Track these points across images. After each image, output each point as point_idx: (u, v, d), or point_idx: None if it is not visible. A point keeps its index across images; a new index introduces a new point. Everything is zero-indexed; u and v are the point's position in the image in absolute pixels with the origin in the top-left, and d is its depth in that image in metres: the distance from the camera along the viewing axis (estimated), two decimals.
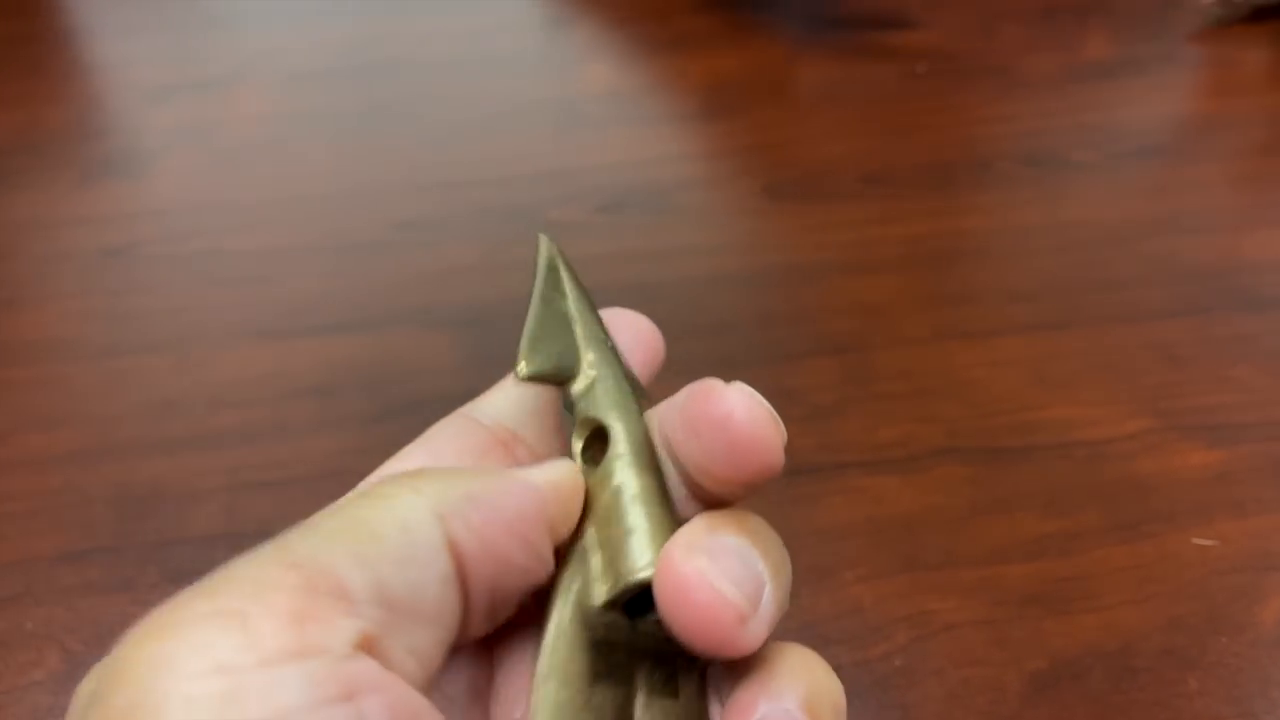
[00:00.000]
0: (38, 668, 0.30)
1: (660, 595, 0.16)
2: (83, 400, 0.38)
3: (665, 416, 0.18)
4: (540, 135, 0.52)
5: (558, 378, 0.20)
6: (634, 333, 0.21)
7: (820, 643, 0.31)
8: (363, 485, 0.19)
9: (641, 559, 0.17)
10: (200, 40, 0.61)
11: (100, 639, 0.30)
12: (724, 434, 0.17)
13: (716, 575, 0.16)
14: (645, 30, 0.60)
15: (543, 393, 0.20)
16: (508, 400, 0.20)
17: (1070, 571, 0.32)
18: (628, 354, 0.21)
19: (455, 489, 0.16)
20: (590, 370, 0.20)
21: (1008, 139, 0.50)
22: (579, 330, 0.20)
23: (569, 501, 0.18)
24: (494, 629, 0.17)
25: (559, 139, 0.52)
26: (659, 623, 0.17)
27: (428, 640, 0.15)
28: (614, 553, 0.17)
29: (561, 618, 0.17)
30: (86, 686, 0.13)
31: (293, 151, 0.52)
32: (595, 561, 0.17)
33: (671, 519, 0.17)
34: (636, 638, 0.17)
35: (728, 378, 0.39)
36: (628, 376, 0.20)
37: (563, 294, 0.21)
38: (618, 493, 0.18)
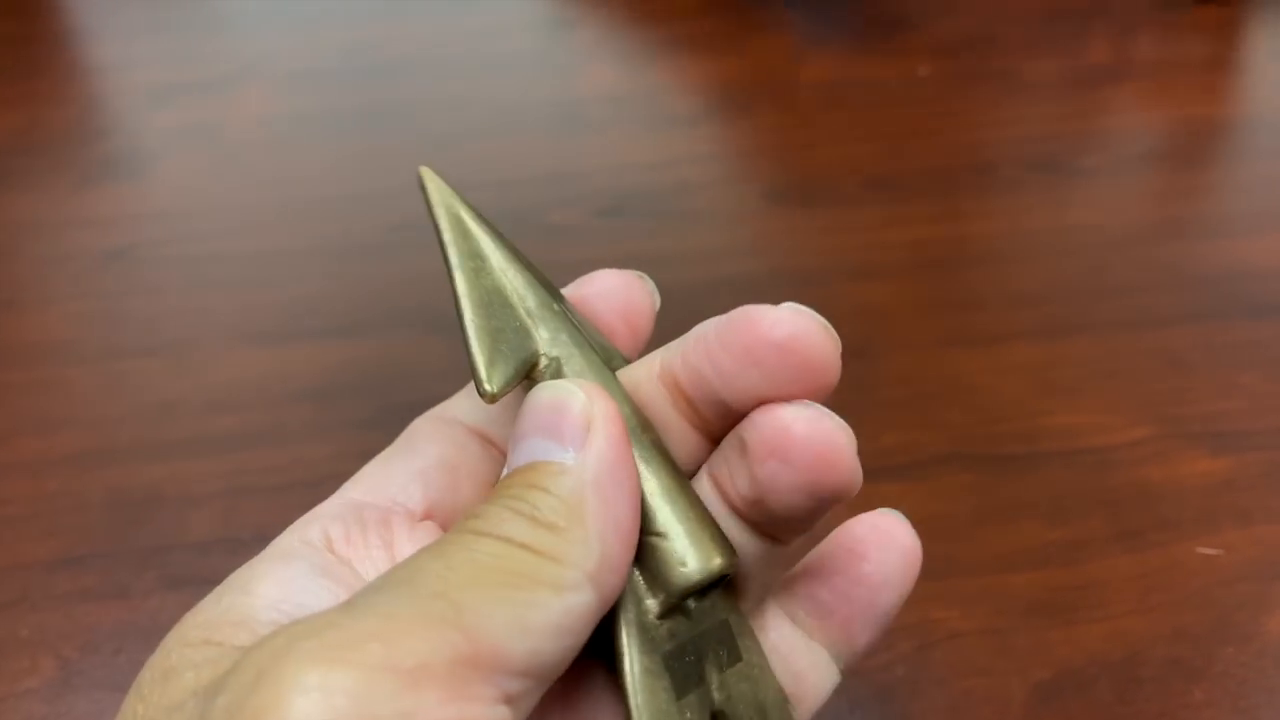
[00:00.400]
0: (32, 675, 0.30)
1: (774, 444, 0.16)
2: (80, 403, 0.38)
3: (689, 354, 0.17)
4: (542, 137, 0.52)
5: (524, 374, 0.17)
6: (616, 303, 0.19)
7: None
8: (354, 492, 0.18)
9: (689, 562, 0.16)
10: (201, 42, 0.61)
11: (96, 646, 0.30)
12: (786, 357, 0.16)
13: (822, 414, 0.16)
14: (647, 32, 0.60)
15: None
16: (473, 402, 0.19)
17: (1075, 580, 0.32)
18: (613, 329, 0.19)
19: (591, 542, 0.15)
20: (548, 352, 0.18)
21: (1012, 143, 0.50)
22: (520, 300, 0.18)
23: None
24: None
25: (560, 141, 0.52)
26: (714, 599, 0.16)
27: (545, 688, 0.14)
28: (657, 564, 0.16)
29: (630, 651, 0.16)
30: (218, 700, 0.13)
31: (293, 153, 0.52)
32: (637, 579, 0.16)
33: (695, 503, 0.17)
34: (697, 626, 0.17)
35: None
36: (590, 342, 0.18)
37: (482, 256, 0.18)
38: None
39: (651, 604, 0.16)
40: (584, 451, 0.15)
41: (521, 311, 0.18)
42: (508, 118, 0.54)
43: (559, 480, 0.15)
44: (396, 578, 0.14)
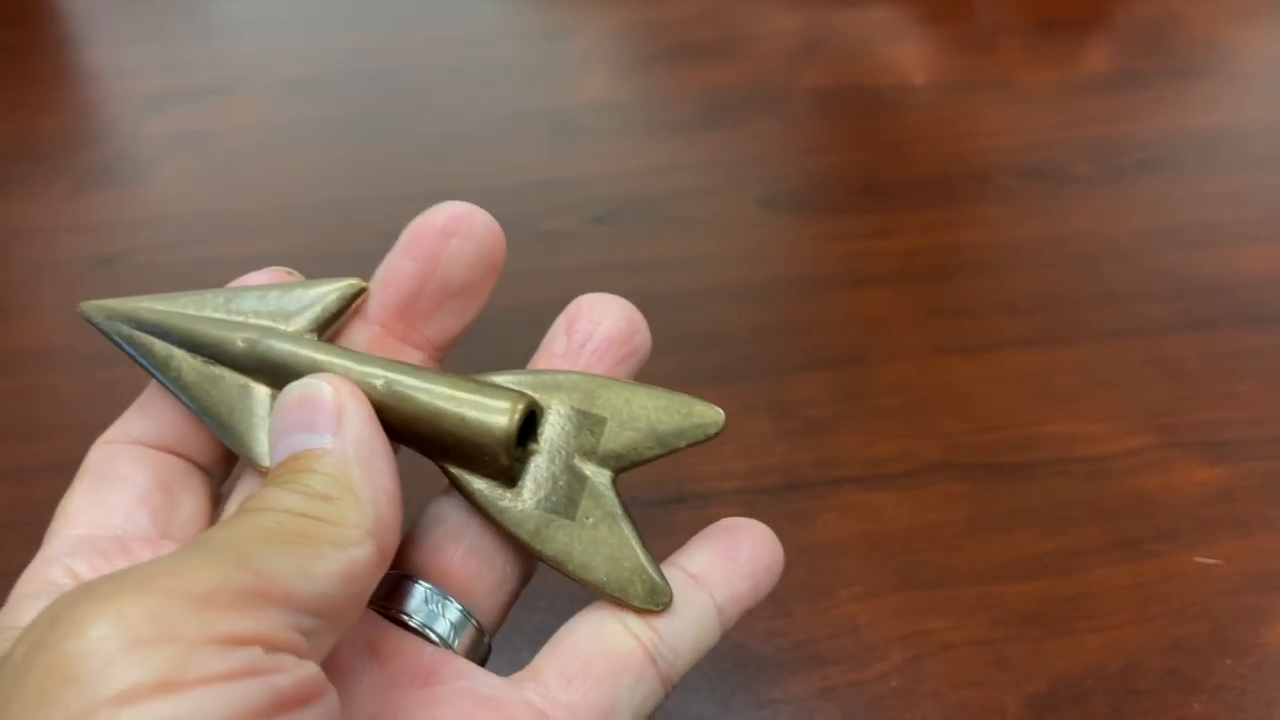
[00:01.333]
0: None
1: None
2: (68, 411, 0.38)
3: (388, 279, 0.19)
4: (535, 145, 0.52)
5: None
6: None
7: (815, 663, 0.30)
8: (77, 530, 0.18)
9: (493, 423, 0.18)
10: (195, 49, 0.61)
11: None
12: (449, 235, 0.19)
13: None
14: (641, 40, 0.60)
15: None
16: (145, 421, 0.19)
17: (1071, 590, 0.32)
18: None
19: (365, 500, 0.16)
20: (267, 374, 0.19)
21: (1007, 152, 0.50)
22: (226, 360, 0.19)
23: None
24: None
25: (554, 149, 0.52)
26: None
27: (350, 621, 0.16)
28: (476, 446, 0.18)
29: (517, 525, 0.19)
30: (16, 650, 0.13)
31: (286, 160, 0.51)
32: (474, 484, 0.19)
33: (461, 383, 0.19)
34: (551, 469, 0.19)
35: (722, 391, 0.39)
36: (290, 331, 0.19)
37: (168, 355, 0.19)
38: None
39: (501, 493, 0.18)
40: (340, 434, 0.17)
41: (230, 374, 0.19)
42: (502, 125, 0.54)
43: (323, 460, 0.16)
44: (189, 542, 0.15)
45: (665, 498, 0.34)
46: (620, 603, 0.18)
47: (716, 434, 0.19)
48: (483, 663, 0.19)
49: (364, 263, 0.47)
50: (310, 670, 0.14)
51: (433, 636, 0.18)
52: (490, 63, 0.58)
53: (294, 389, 0.17)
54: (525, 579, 0.20)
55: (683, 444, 0.19)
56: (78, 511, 0.18)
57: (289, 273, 0.21)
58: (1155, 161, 0.49)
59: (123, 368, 0.40)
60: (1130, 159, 0.49)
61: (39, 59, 0.60)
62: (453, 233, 0.19)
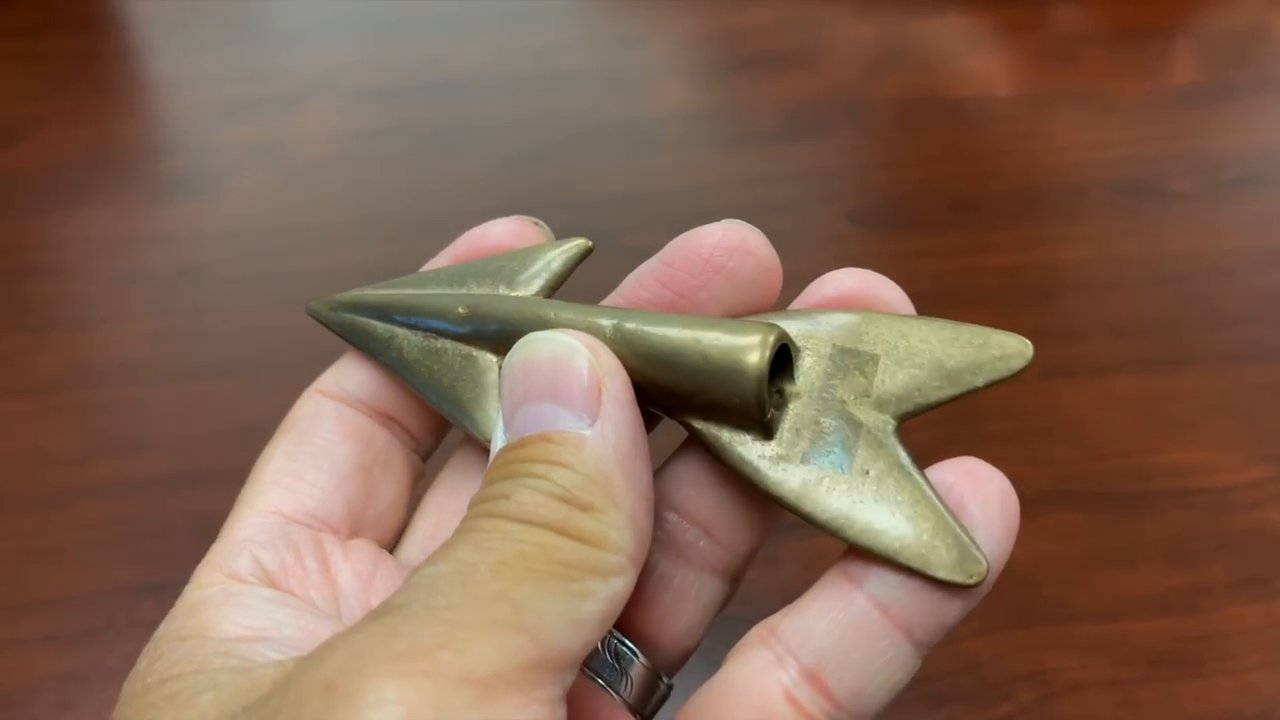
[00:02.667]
0: None
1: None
2: (160, 425, 0.37)
3: (640, 288, 0.17)
4: (613, 157, 0.51)
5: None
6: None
7: (935, 701, 0.29)
8: (271, 502, 0.17)
9: (746, 360, 0.16)
10: (263, 57, 0.60)
11: None
12: (729, 254, 0.17)
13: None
14: (717, 49, 0.59)
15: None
16: (364, 376, 0.18)
17: (1200, 630, 0.30)
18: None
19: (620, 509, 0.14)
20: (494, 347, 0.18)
21: (1100, 166, 0.49)
22: (448, 331, 0.18)
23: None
24: None
25: (633, 161, 0.51)
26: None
27: None
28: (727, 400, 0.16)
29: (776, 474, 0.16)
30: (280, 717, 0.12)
31: (361, 171, 0.51)
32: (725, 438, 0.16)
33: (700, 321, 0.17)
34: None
35: None
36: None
37: (390, 336, 0.19)
38: None
39: (756, 447, 0.16)
40: (601, 421, 0.14)
41: (452, 344, 0.17)
42: (578, 136, 0.53)
43: (580, 455, 0.14)
44: (445, 577, 0.13)
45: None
46: (921, 574, 0.15)
47: (1023, 369, 0.16)
48: (657, 708, 0.18)
49: None
50: None
51: (611, 696, 0.17)
52: (564, 72, 0.57)
53: (540, 345, 0.15)
54: (726, 601, 0.18)
55: (980, 382, 0.17)
56: (273, 478, 0.18)
57: (535, 222, 0.19)
58: (1256, 178, 0.48)
59: (212, 380, 0.40)
60: (1228, 174, 0.48)
61: (108, 66, 0.60)
62: (718, 268, 0.16)
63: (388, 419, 0.18)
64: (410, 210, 0.49)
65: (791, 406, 0.16)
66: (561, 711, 0.13)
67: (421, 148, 0.52)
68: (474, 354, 0.17)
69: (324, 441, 0.18)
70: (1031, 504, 0.34)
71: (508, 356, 0.15)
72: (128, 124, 0.55)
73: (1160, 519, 0.33)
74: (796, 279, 0.47)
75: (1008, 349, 0.17)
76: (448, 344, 0.17)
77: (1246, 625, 0.30)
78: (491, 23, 0.61)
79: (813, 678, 0.15)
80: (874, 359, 0.16)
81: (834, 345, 0.16)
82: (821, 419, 0.16)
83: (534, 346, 0.15)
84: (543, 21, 0.61)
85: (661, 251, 0.17)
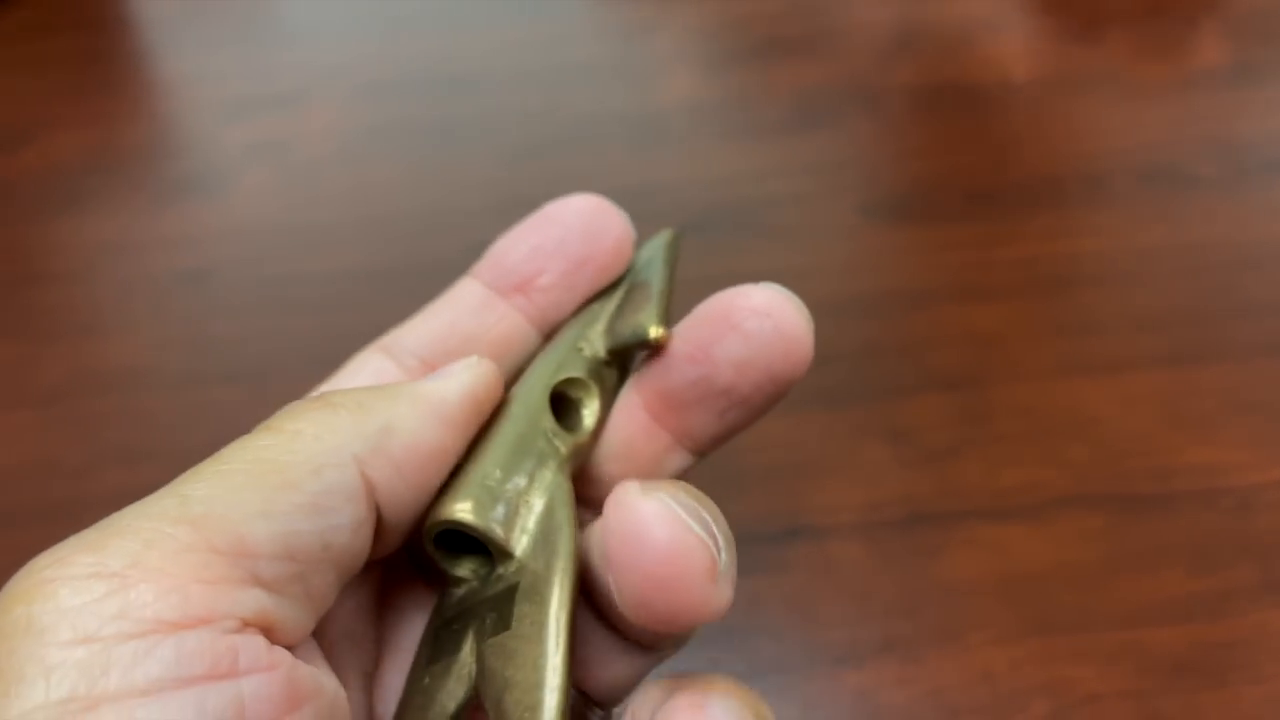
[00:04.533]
0: None
1: (611, 540, 0.14)
2: (164, 433, 0.37)
3: (679, 349, 0.17)
4: (620, 149, 0.50)
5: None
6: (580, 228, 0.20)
7: (949, 713, 0.28)
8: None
9: (439, 508, 0.16)
10: (269, 55, 0.60)
11: None
12: (764, 320, 0.17)
13: (683, 513, 0.14)
14: (727, 37, 0.58)
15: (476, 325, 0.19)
16: (431, 333, 0.19)
17: (1224, 637, 0.29)
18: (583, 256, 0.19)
19: (371, 421, 0.15)
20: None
21: (1121, 153, 0.47)
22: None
23: (486, 408, 0.17)
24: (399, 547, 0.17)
25: (640, 153, 0.50)
26: (512, 564, 0.15)
27: (326, 582, 0.14)
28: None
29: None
30: None
31: (366, 168, 0.50)
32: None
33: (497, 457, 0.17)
34: (482, 593, 0.16)
35: (831, 415, 0.37)
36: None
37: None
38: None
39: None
40: (434, 377, 0.16)
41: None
42: (584, 129, 0.52)
43: (389, 384, 0.17)
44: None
45: (777, 531, 0.33)
46: None
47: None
48: None
49: (454, 274, 0.46)
50: (281, 660, 0.13)
51: None
52: (570, 64, 0.56)
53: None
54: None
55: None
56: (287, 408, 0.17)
57: (610, 204, 0.20)
58: None
59: (214, 388, 0.40)
60: (1255, 160, 0.46)
61: (116, 68, 0.59)
62: (734, 325, 0.16)
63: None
64: (417, 207, 0.48)
65: (476, 586, 0.16)
66: (257, 598, 0.13)
67: (428, 143, 0.52)
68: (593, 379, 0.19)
69: (353, 381, 0.19)
70: (1048, 507, 0.33)
71: None
72: (134, 126, 0.55)
73: (1183, 521, 0.32)
74: (807, 274, 0.46)
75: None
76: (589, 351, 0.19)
77: (1273, 631, 0.29)
78: (496, 15, 0.60)
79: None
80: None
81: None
82: (465, 610, 0.16)
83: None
84: (548, 13, 0.60)
85: (703, 306, 0.18)
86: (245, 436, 0.15)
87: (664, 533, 0.13)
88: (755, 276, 0.47)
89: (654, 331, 0.17)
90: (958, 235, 0.43)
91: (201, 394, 0.38)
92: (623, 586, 0.14)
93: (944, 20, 0.58)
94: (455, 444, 0.16)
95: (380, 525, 0.15)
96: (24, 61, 0.57)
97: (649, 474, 0.18)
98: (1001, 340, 0.38)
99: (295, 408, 0.16)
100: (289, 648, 0.13)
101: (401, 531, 0.16)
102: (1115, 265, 0.41)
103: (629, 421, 0.18)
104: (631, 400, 0.18)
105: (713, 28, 0.58)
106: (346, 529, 0.14)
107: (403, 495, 0.15)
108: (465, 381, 0.16)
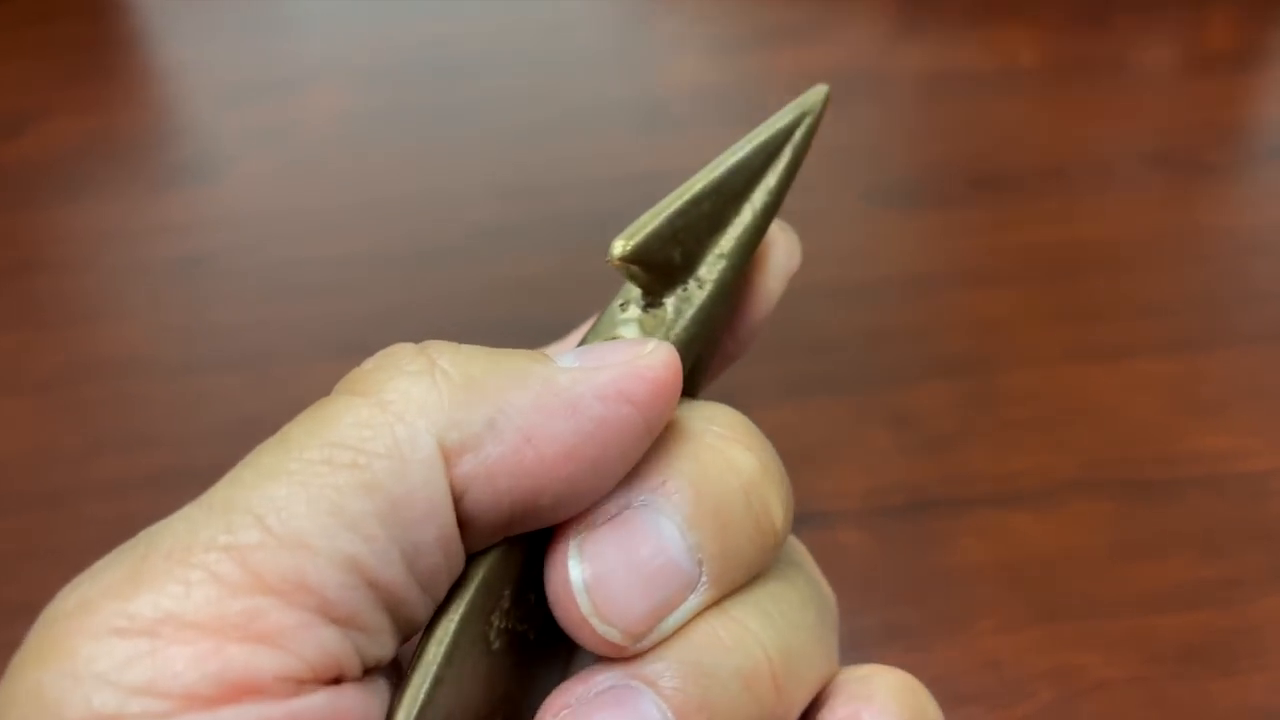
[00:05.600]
0: None
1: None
2: (161, 421, 0.37)
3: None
4: (623, 136, 0.50)
5: (654, 280, 0.15)
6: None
7: (954, 700, 0.28)
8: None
9: None
10: (270, 41, 0.59)
11: None
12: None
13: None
14: (730, 22, 0.57)
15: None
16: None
17: (1233, 623, 0.29)
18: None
19: (475, 406, 0.12)
20: (682, 296, 0.16)
21: (1129, 138, 0.47)
22: (729, 240, 0.16)
23: (654, 417, 0.12)
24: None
25: (643, 140, 0.50)
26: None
27: (414, 608, 0.12)
28: None
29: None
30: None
31: (367, 153, 0.50)
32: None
33: None
34: None
35: (835, 401, 0.36)
36: (703, 334, 0.16)
37: (759, 180, 0.17)
38: None
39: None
40: (583, 369, 0.12)
41: (715, 247, 0.16)
42: (587, 115, 0.52)
43: (520, 361, 0.13)
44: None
45: None
46: None
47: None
48: None
49: (452, 262, 0.45)
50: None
51: None
52: (573, 49, 0.56)
53: (631, 337, 0.15)
54: None
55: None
56: None
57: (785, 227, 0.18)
58: None
59: (211, 375, 0.39)
60: (1264, 145, 0.46)
61: (114, 54, 0.59)
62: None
63: None
64: (416, 192, 0.48)
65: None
66: (328, 638, 0.10)
67: (427, 128, 0.51)
68: (692, 268, 0.17)
69: None
70: (1055, 493, 0.33)
71: None
72: (132, 112, 0.55)
73: (1191, 507, 0.32)
74: (811, 260, 0.46)
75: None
76: (711, 242, 0.17)
77: None
78: (496, 0, 0.59)
79: None
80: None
81: None
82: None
83: (630, 338, 0.15)
84: None
85: None
86: (323, 401, 0.12)
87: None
88: None
89: (618, 242, 0.15)
90: (963, 221, 0.43)
91: (199, 381, 0.38)
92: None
93: (948, 4, 0.57)
94: (589, 456, 0.12)
95: (466, 534, 0.12)
96: (22, 47, 0.57)
97: None
98: (1007, 326, 0.38)
99: (391, 359, 0.12)
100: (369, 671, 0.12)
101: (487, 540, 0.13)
102: (1121, 251, 0.41)
103: None
104: None
105: (715, 13, 0.57)
106: (433, 544, 0.12)
107: (492, 516, 0.12)
108: (621, 374, 0.12)
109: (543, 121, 0.51)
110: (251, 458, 0.12)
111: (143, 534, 0.12)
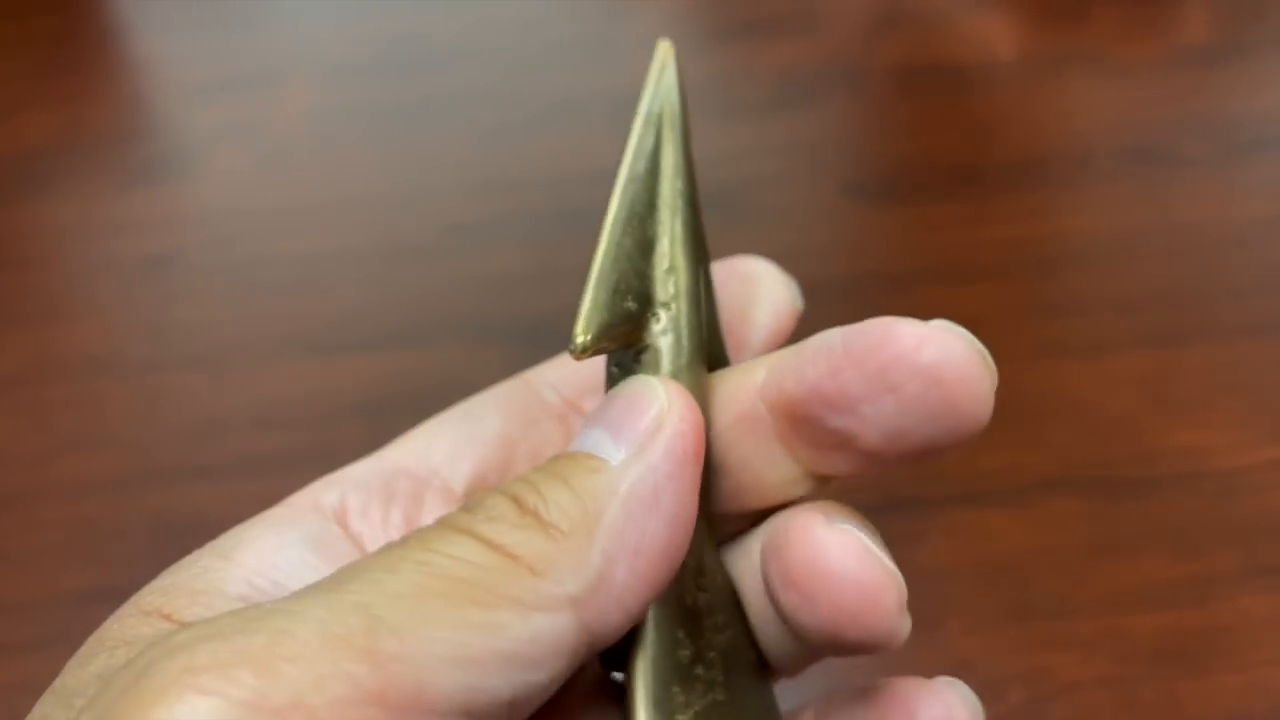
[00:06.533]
0: None
1: (795, 569, 0.13)
2: (121, 421, 0.36)
3: (806, 368, 0.14)
4: (598, 131, 0.49)
5: (628, 338, 0.15)
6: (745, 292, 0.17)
7: None
8: (394, 454, 0.16)
9: None
10: (242, 36, 0.59)
11: None
12: (931, 387, 0.13)
13: (873, 545, 0.14)
14: (706, 15, 0.57)
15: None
16: (573, 369, 0.17)
17: (1206, 623, 0.29)
18: (732, 323, 0.17)
19: (587, 551, 0.12)
20: (659, 330, 0.15)
21: (1107, 131, 0.46)
22: (666, 252, 0.15)
23: (698, 453, 0.14)
24: None
25: (619, 135, 0.49)
26: None
27: None
28: None
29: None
30: (102, 696, 0.11)
31: (339, 151, 0.49)
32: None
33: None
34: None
35: None
36: (702, 330, 0.15)
37: (659, 176, 0.16)
38: None
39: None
40: (636, 457, 0.13)
41: (660, 267, 0.15)
42: (562, 110, 0.51)
43: (589, 478, 0.12)
44: (335, 576, 0.12)
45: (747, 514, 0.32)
46: None
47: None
48: None
49: (422, 260, 0.44)
50: None
51: None
52: (547, 43, 0.55)
53: (635, 384, 0.14)
54: None
55: None
56: (418, 434, 0.16)
57: (785, 276, 0.19)
58: (1271, 141, 0.45)
59: (175, 375, 0.39)
60: (1242, 138, 0.45)
61: (84, 48, 0.58)
62: (892, 386, 0.13)
63: (571, 408, 0.17)
64: (388, 189, 0.47)
65: None
66: None
67: (402, 124, 0.51)
68: (652, 302, 0.16)
69: (476, 409, 0.17)
70: (1028, 491, 0.32)
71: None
72: (102, 108, 0.54)
73: (1165, 505, 0.31)
74: (789, 255, 0.45)
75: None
76: (659, 263, 0.16)
77: (1255, 618, 0.29)
78: None
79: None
80: None
81: None
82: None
83: (626, 385, 0.14)
84: None
85: (849, 331, 0.14)
86: (446, 529, 0.12)
87: (857, 567, 0.14)
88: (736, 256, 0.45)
89: (576, 338, 0.14)
90: (940, 215, 0.42)
91: (163, 380, 0.37)
92: (804, 612, 0.13)
93: None
94: (681, 517, 0.13)
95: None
96: None
97: (767, 500, 0.15)
98: (983, 321, 0.37)
99: (506, 510, 0.12)
100: None
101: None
102: (1099, 245, 0.40)
103: (751, 435, 0.15)
104: (757, 411, 0.14)
105: (692, 6, 0.57)
106: (544, 685, 0.12)
107: (619, 622, 0.12)
108: (665, 445, 0.13)
109: (516, 117, 0.51)
110: (382, 562, 0.12)
111: (277, 605, 0.11)
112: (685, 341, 0.15)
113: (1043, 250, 0.40)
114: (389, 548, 0.12)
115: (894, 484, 0.32)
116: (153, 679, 0.10)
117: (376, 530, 0.15)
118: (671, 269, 0.15)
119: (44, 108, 0.52)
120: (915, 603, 0.30)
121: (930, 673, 0.28)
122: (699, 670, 0.14)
